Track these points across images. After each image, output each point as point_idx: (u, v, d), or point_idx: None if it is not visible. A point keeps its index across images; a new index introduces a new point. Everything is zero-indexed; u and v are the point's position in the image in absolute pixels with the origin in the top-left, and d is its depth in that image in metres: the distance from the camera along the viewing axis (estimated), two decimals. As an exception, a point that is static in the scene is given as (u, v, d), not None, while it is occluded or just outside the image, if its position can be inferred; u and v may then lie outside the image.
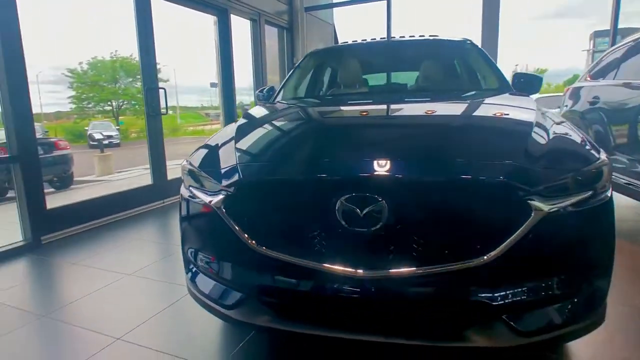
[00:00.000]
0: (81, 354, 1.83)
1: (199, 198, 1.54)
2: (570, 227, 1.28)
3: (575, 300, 1.32)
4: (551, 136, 1.48)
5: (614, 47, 3.87)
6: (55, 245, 3.42)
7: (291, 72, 3.07)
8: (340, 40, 9.80)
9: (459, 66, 2.97)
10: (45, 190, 3.52)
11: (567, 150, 1.47)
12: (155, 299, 2.36)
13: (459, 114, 1.87)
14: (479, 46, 2.93)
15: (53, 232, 3.53)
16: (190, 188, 1.63)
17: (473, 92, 2.46)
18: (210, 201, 1.47)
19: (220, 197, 1.45)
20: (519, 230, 1.20)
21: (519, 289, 1.26)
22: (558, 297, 1.30)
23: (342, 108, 2.31)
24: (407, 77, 3.15)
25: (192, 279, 1.66)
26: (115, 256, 3.10)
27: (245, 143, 1.69)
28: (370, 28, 7.51)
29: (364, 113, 2.09)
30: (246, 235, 1.39)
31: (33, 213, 3.35)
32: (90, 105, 28.08)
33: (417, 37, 3.10)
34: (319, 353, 1.76)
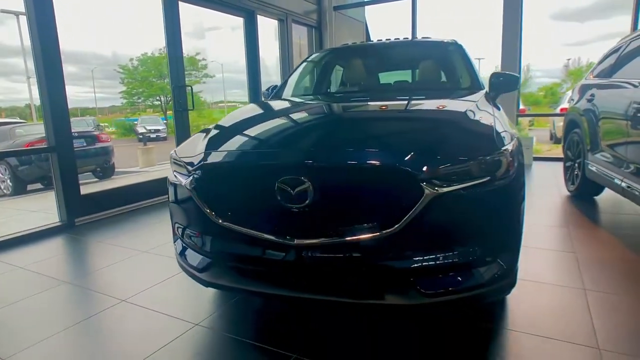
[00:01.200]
0: (91, 311, 2.17)
1: (178, 180, 1.82)
2: (466, 206, 1.48)
3: (477, 268, 1.52)
4: (464, 130, 1.73)
5: (614, 46, 3.86)
6: (86, 226, 3.84)
7: (290, 73, 3.27)
8: (373, 38, 9.87)
9: (440, 66, 3.09)
10: (89, 180, 3.96)
11: (469, 143, 1.63)
12: (161, 271, 2.66)
13: (400, 110, 2.18)
14: (463, 47, 3.03)
15: (86, 215, 3.97)
16: (175, 173, 1.91)
17: (438, 91, 2.68)
18: (184, 182, 1.75)
19: (190, 179, 1.72)
20: (415, 208, 1.41)
21: (423, 257, 1.48)
22: (460, 264, 1.49)
23: (309, 105, 2.57)
24: (399, 76, 3.26)
25: (177, 248, 1.96)
26: (136, 237, 3.46)
27: (214, 135, 1.96)
28: (400, 26, 7.50)
29: (319, 110, 2.37)
30: (209, 210, 1.66)
31: (68, 198, 3.78)
32: (139, 100, 29.77)
33: (409, 39, 3.22)
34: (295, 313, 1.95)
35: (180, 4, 4.86)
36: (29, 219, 4.80)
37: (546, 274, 2.40)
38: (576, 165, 4.20)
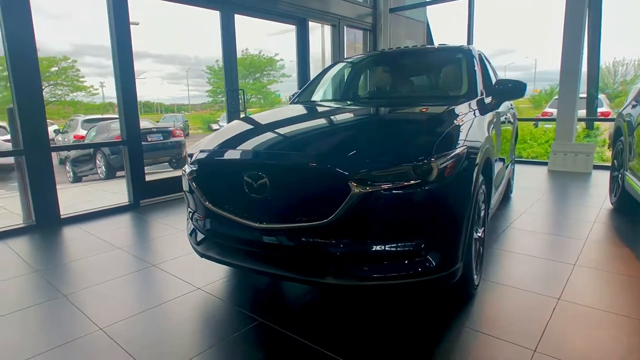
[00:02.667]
0: (129, 270, 2.76)
1: (185, 172, 2.29)
2: (394, 205, 1.71)
3: (406, 260, 1.75)
4: (407, 137, 1.99)
5: None
6: (148, 207, 4.61)
7: (311, 81, 3.63)
8: (435, 38, 9.77)
9: (443, 74, 3.23)
10: (164, 169, 4.71)
11: (403, 149, 1.84)
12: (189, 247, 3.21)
13: (365, 117, 2.51)
14: (472, 53, 3.11)
15: (149, 198, 4.75)
16: (186, 165, 2.39)
17: (427, 99, 2.92)
18: (187, 172, 2.22)
19: (190, 170, 2.19)
20: (344, 203, 1.70)
21: (355, 245, 1.76)
22: (389, 255, 1.75)
23: (296, 110, 2.89)
24: (411, 83, 3.44)
25: (187, 227, 2.44)
26: (182, 218, 4.10)
27: (217, 135, 2.39)
28: (462, 24, 7.40)
29: (298, 116, 2.70)
30: (201, 196, 2.11)
31: (135, 183, 4.58)
32: (223, 99, 32.21)
33: (421, 47, 3.39)
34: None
35: (237, 16, 5.47)
36: (109, 198, 5.83)
37: (528, 280, 2.46)
38: (619, 175, 3.97)
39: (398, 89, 3.27)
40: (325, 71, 3.66)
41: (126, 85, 4.40)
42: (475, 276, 2.23)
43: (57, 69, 24.31)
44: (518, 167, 6.16)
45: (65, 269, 2.88)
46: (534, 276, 2.52)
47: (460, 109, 2.38)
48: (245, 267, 2.08)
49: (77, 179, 9.14)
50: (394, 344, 1.85)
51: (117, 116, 5.15)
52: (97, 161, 8.68)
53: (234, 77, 5.53)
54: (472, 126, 2.19)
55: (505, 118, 3.32)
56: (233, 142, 2.24)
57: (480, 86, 2.82)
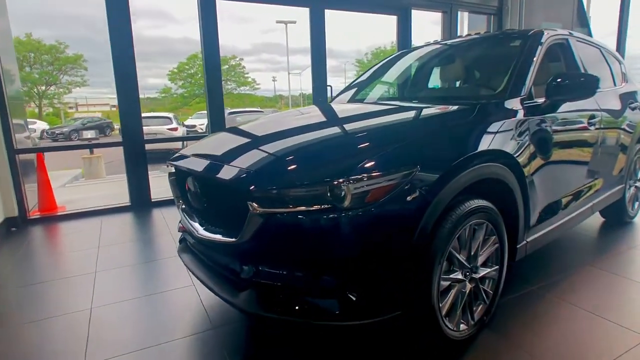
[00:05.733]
0: (146, 259, 3.13)
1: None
2: (297, 232, 1.49)
3: (312, 295, 1.52)
4: (335, 153, 1.66)
5: None
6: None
7: (351, 82, 3.39)
8: (591, 12, 7.89)
9: (489, 67, 2.67)
10: None
11: (320, 168, 1.55)
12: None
13: (336, 124, 2.18)
14: (540, 39, 2.43)
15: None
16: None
17: (447, 100, 2.49)
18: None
19: (169, 171, 2.30)
20: (245, 224, 1.55)
21: (263, 272, 1.59)
22: (293, 287, 1.54)
23: (297, 115, 2.70)
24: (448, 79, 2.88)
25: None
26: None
27: (198, 141, 2.43)
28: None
29: (267, 124, 2.48)
30: (175, 197, 2.21)
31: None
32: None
33: (483, 34, 2.79)
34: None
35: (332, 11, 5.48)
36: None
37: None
38: None
39: (420, 89, 2.87)
40: (378, 65, 3.39)
41: (213, 90, 4.90)
42: (463, 326, 1.81)
43: (227, 67, 28.67)
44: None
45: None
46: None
47: (461, 113, 1.92)
48: (192, 272, 2.03)
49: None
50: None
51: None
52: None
53: (322, 74, 5.57)
54: (462, 137, 1.75)
55: (581, 124, 2.50)
56: (198, 148, 2.25)
57: (529, 82, 2.19)
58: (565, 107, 2.32)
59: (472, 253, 1.81)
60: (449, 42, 3.06)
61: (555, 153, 2.25)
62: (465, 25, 7.31)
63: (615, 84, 3.17)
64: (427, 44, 3.18)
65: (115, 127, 22.75)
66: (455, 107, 2.05)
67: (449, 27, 6.46)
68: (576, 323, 2.00)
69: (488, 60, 2.74)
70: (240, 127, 2.42)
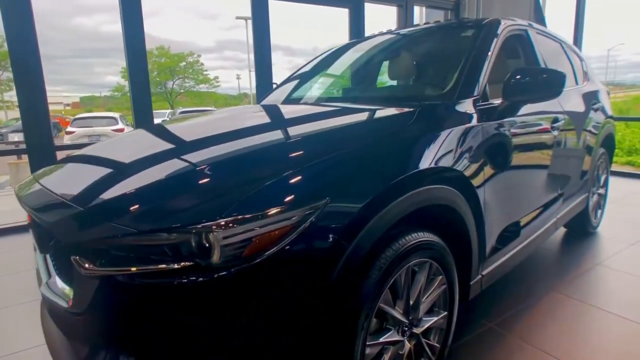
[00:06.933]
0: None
1: None
2: (145, 302, 1.00)
3: None
4: (219, 184, 1.13)
5: None
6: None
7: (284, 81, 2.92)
8: (549, 16, 7.83)
9: (438, 62, 2.25)
10: None
11: (160, 212, 1.05)
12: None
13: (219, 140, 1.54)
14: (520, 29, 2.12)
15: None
16: None
17: (390, 102, 2.02)
18: None
19: None
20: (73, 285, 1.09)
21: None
22: None
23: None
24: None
25: None
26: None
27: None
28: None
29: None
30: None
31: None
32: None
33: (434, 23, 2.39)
34: None
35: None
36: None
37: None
38: None
39: (364, 87, 2.47)
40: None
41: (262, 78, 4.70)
42: None
43: (184, 64, 27.43)
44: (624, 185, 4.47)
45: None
46: None
47: (395, 120, 1.50)
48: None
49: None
50: None
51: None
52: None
53: (267, 71, 5.07)
54: (393, 153, 1.32)
55: (544, 131, 2.14)
56: (51, 173, 1.72)
57: (483, 80, 1.78)
58: (526, 109, 1.94)
59: (412, 303, 1.38)
60: (401, 31, 2.63)
61: (515, 167, 1.87)
62: (423, 21, 7.03)
63: (577, 83, 2.87)
64: (379, 34, 2.73)
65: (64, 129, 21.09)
66: (389, 112, 1.62)
67: (405, 22, 6.12)
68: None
69: (437, 53, 2.33)
70: (109, 143, 1.92)
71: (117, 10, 3.94)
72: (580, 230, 3.13)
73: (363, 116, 1.61)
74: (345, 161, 1.20)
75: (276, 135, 1.52)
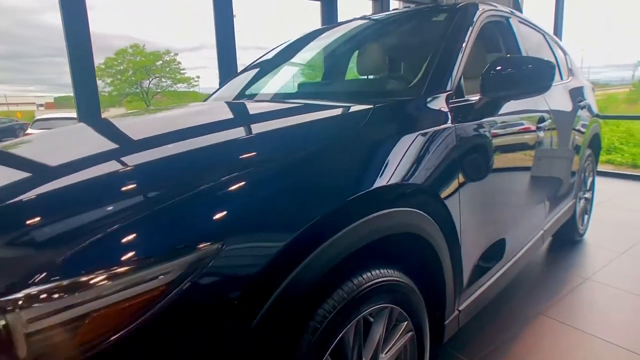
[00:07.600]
0: None
1: None
2: None
3: None
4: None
5: None
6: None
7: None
8: (526, 8, 7.65)
9: (408, 51, 1.93)
10: None
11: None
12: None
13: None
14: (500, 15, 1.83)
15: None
16: None
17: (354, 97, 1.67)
18: None
19: None
20: None
21: None
22: None
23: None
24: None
25: None
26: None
27: None
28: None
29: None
30: None
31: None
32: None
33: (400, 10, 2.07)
34: None
35: None
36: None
37: None
38: None
39: (328, 82, 2.17)
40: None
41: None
42: None
43: (160, 62, 26.65)
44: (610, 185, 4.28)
45: None
46: None
47: (341, 122, 1.17)
48: None
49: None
50: None
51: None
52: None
53: (232, 69, 4.70)
54: (335, 166, 0.98)
55: (529, 132, 1.84)
56: None
57: (457, 72, 1.46)
58: (509, 107, 1.64)
59: (368, 361, 1.05)
60: (372, 17, 2.31)
61: (498, 178, 1.57)
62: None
63: (562, 78, 2.60)
64: (349, 21, 2.38)
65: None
66: (335, 113, 1.28)
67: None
68: None
69: (405, 42, 2.01)
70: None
71: (96, 7, 3.54)
72: (567, 238, 2.87)
73: (300, 119, 1.26)
74: (257, 183, 0.84)
75: (161, 151, 1.06)
